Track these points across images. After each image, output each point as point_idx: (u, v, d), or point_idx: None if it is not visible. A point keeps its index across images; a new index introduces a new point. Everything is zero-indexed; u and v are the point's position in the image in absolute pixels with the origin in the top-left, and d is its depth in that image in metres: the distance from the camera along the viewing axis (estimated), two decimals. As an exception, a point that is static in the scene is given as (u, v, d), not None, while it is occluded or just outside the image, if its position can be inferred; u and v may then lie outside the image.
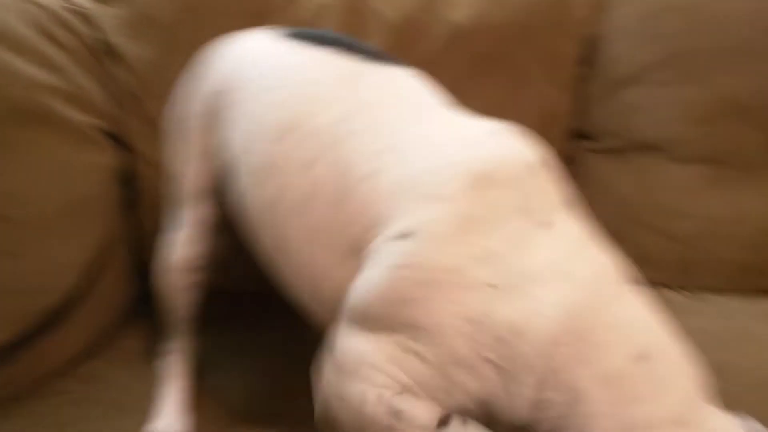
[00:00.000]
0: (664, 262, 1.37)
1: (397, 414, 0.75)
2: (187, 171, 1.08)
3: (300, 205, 0.87)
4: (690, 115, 1.35)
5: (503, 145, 0.83)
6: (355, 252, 0.82)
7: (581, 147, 1.43)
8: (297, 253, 0.89)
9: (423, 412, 0.75)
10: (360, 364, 0.77)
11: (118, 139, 1.28)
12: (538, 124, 1.35)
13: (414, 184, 0.80)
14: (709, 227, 1.35)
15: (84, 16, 1.29)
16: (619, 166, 1.40)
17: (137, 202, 1.30)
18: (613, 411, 0.71)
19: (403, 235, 0.77)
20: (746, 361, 1.07)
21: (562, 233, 0.79)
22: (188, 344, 1.13)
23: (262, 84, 0.97)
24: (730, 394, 1.00)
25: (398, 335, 0.75)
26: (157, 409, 1.05)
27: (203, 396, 1.09)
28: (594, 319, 0.74)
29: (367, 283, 0.79)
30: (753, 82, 1.32)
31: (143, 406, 1.05)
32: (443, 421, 0.75)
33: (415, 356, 0.74)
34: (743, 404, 0.98)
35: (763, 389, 1.00)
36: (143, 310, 1.23)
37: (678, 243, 1.37)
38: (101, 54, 1.29)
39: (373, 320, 0.77)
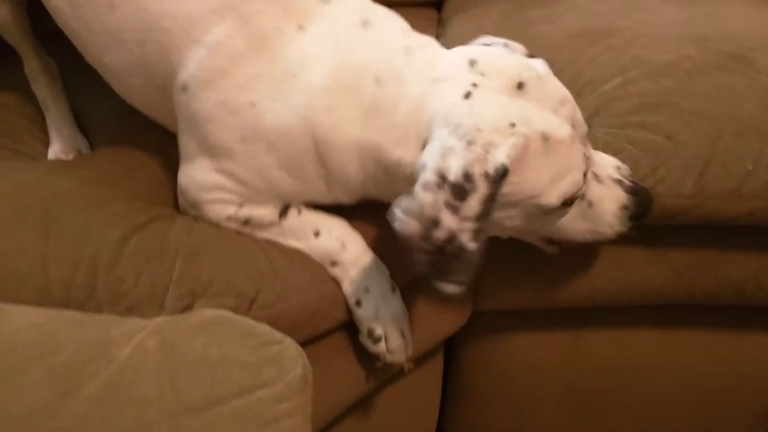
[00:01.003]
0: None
1: (247, 221, 0.95)
2: None
3: (107, 45, 0.98)
4: None
5: None
6: (168, 93, 0.95)
7: None
8: (118, 83, 1.03)
9: (265, 212, 0.95)
10: (197, 200, 0.95)
11: None
12: None
13: (186, 29, 0.91)
14: None
15: None
16: None
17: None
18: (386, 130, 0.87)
19: (183, 88, 0.91)
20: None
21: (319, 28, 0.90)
22: (46, 63, 1.18)
23: None
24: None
25: (212, 161, 0.92)
26: (51, 134, 1.16)
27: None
28: (349, 71, 0.88)
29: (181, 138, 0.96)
30: None
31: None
32: (282, 213, 0.96)
33: (230, 176, 0.92)
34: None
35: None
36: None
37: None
38: None
39: (190, 155, 0.95)
